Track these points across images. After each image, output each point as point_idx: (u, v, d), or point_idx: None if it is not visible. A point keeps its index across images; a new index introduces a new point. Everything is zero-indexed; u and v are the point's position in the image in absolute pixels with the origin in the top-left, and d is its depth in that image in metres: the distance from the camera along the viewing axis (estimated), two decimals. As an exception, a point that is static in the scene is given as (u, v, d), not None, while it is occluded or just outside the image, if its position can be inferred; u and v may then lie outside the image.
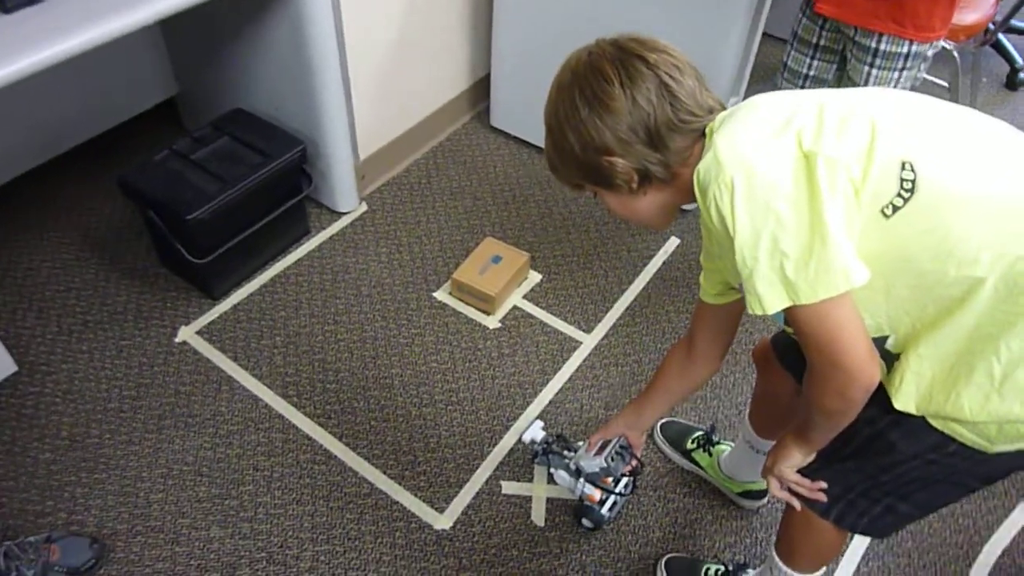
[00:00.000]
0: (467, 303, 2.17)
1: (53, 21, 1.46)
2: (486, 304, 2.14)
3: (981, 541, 1.76)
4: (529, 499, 1.78)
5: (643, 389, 1.51)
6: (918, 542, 1.74)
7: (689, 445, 1.82)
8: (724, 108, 1.05)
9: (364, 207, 2.44)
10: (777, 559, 1.37)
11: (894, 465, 1.07)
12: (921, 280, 0.93)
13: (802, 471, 1.18)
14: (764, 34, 2.22)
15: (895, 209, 0.90)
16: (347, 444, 1.85)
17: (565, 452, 1.64)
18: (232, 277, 2.17)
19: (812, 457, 1.16)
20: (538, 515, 1.75)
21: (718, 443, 1.80)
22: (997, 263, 0.89)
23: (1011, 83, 3.18)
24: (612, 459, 1.56)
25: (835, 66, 1.91)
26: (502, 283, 2.13)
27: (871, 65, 1.78)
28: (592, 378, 2.02)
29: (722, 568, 1.60)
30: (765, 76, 2.91)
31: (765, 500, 1.77)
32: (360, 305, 2.16)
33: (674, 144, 1.01)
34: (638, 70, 0.99)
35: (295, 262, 2.26)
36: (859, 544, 1.73)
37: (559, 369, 2.04)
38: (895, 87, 1.81)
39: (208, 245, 1.99)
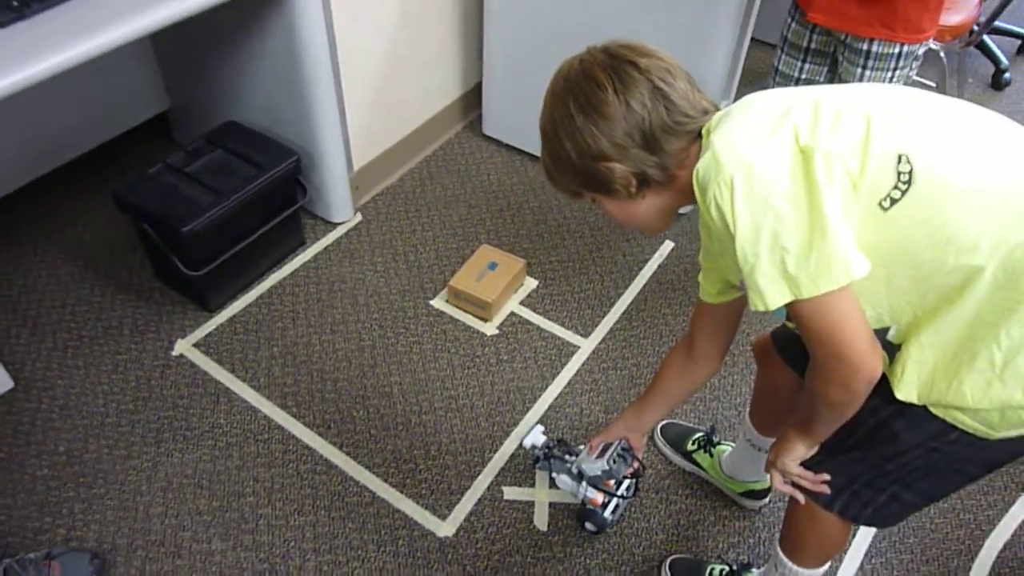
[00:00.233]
0: (464, 310, 2.17)
1: (44, 35, 1.46)
2: (483, 311, 2.14)
3: (983, 536, 1.76)
4: (531, 504, 1.78)
5: (643, 391, 1.52)
6: (920, 538, 1.75)
7: (690, 446, 1.83)
8: (718, 109, 1.06)
9: (359, 217, 2.44)
10: (782, 555, 1.37)
11: (898, 454, 1.08)
12: (921, 270, 0.94)
13: (805, 464, 1.19)
14: (752, 39, 2.24)
15: (893, 202, 0.91)
16: (347, 453, 1.84)
17: (566, 456, 1.64)
18: (228, 289, 2.17)
19: (815, 450, 1.17)
20: (541, 520, 1.75)
21: (719, 444, 1.80)
22: (996, 250, 0.90)
23: (996, 83, 3.21)
24: (614, 462, 1.56)
25: (826, 68, 1.93)
26: (499, 289, 2.13)
27: (863, 67, 1.79)
28: (591, 382, 2.03)
29: (726, 568, 1.60)
30: (754, 81, 2.93)
31: (767, 500, 1.77)
32: (357, 314, 2.16)
33: (670, 146, 1.02)
34: (630, 75, 1.00)
35: (291, 273, 2.26)
36: (862, 541, 1.73)
37: (558, 374, 2.04)
38: (887, 87, 1.82)
39: (203, 257, 1.99)
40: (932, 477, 1.11)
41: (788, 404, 1.43)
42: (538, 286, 2.26)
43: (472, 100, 2.77)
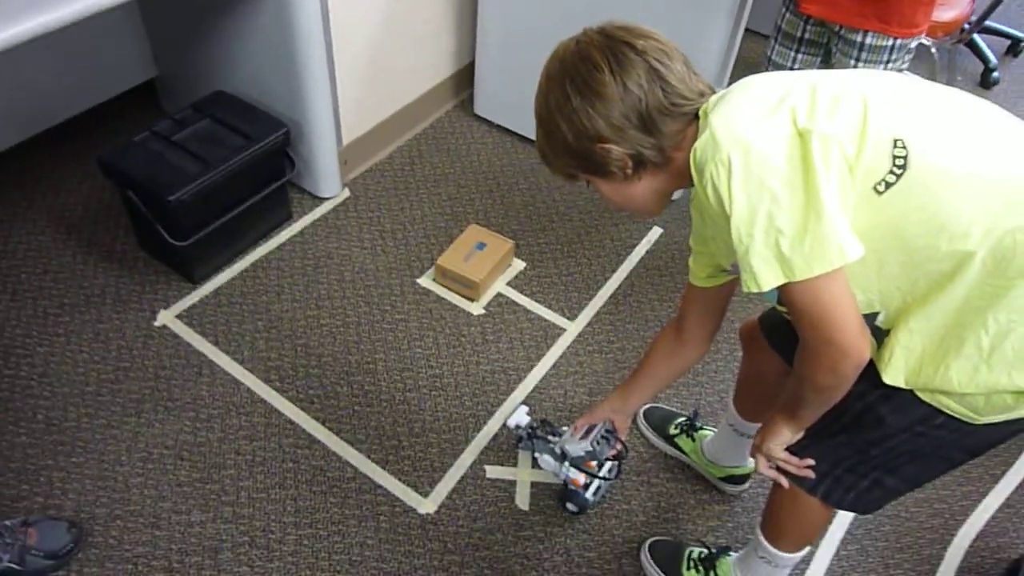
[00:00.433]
0: (451, 289, 2.16)
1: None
2: (470, 290, 2.13)
3: (957, 524, 1.79)
4: (513, 483, 1.78)
5: (629, 374, 1.52)
6: (895, 525, 1.77)
7: (672, 431, 1.84)
8: (714, 92, 1.06)
9: (347, 193, 2.42)
10: (763, 539, 1.38)
11: (883, 439, 1.09)
12: (912, 255, 0.95)
13: (791, 449, 1.20)
14: (746, 30, 2.24)
15: (888, 186, 0.92)
16: (330, 428, 1.84)
17: (549, 437, 1.64)
18: (213, 261, 2.15)
19: (801, 434, 1.18)
20: (522, 499, 1.76)
21: (701, 429, 1.82)
22: (987, 237, 0.91)
23: (985, 82, 3.24)
24: (597, 443, 1.56)
25: (819, 59, 1.93)
26: (486, 270, 2.13)
27: (857, 59, 1.80)
28: (576, 365, 2.03)
29: (705, 551, 1.62)
30: (747, 71, 2.92)
31: (747, 485, 1.79)
32: (343, 291, 2.15)
33: (667, 128, 1.02)
34: (627, 57, 0.99)
35: (277, 247, 2.24)
36: (837, 528, 1.76)
37: (543, 355, 2.04)
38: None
39: (189, 227, 1.97)
40: (916, 463, 1.12)
41: (773, 390, 1.44)
42: (525, 268, 2.26)
43: (464, 79, 2.76)
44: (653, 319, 2.16)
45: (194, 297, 2.08)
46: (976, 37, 3.20)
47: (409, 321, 2.09)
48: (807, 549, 1.40)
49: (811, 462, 1.18)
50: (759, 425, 1.28)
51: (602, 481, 1.65)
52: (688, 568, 1.59)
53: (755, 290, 0.94)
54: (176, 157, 1.97)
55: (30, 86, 2.21)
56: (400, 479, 1.76)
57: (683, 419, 1.85)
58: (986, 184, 0.92)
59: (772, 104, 0.96)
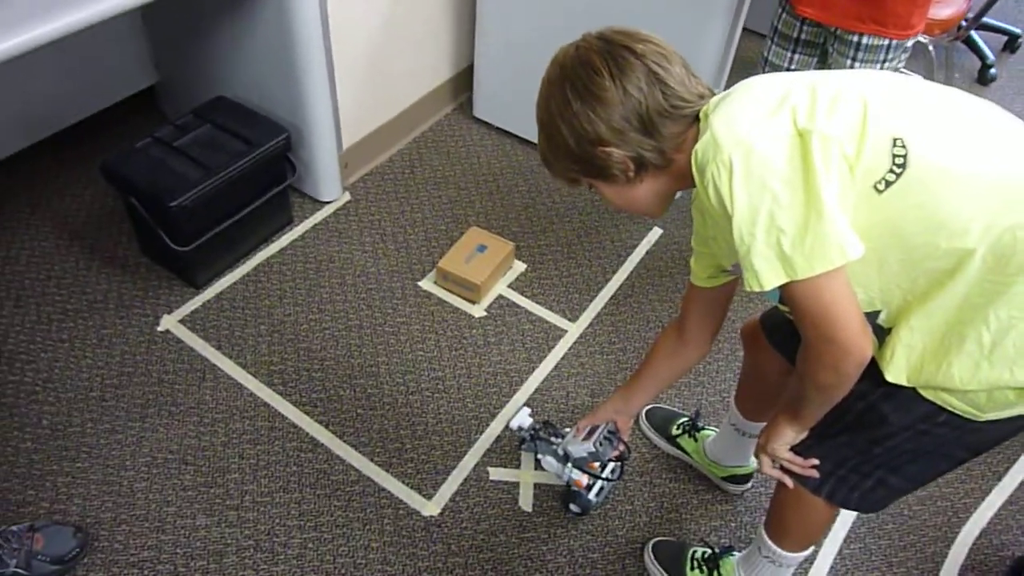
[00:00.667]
0: (452, 292, 2.17)
1: (33, 4, 1.43)
2: (471, 293, 2.14)
3: (960, 523, 1.79)
4: (516, 485, 1.79)
5: (631, 375, 1.53)
6: (899, 523, 1.78)
7: (674, 431, 1.84)
8: (714, 94, 1.06)
9: (347, 196, 2.43)
10: (767, 538, 1.39)
11: (886, 437, 1.10)
12: (912, 253, 0.96)
13: (794, 449, 1.20)
14: (744, 29, 2.24)
15: (887, 184, 0.92)
16: (334, 432, 1.84)
17: (552, 438, 1.65)
18: (215, 266, 2.15)
19: (804, 434, 1.18)
20: (526, 501, 1.76)
21: (703, 429, 1.82)
22: (986, 234, 0.92)
23: (982, 78, 3.25)
24: (600, 444, 1.56)
25: (816, 59, 1.94)
26: (487, 272, 2.13)
27: (853, 59, 1.81)
28: (578, 366, 2.03)
29: (708, 551, 1.62)
30: (745, 71, 2.93)
31: (749, 484, 1.79)
32: (345, 294, 2.15)
33: (667, 130, 1.03)
34: (627, 60, 1.00)
35: (279, 251, 2.25)
36: (840, 527, 1.76)
37: (544, 357, 2.04)
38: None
39: (191, 233, 1.97)
40: (920, 461, 1.13)
41: (775, 389, 1.44)
42: (526, 269, 2.26)
43: (463, 82, 2.76)
44: (654, 320, 2.16)
45: (196, 302, 2.09)
46: (973, 34, 3.21)
47: (411, 324, 2.09)
48: (811, 548, 1.40)
49: (815, 462, 1.19)
50: (761, 424, 1.29)
51: (605, 482, 1.66)
52: (692, 568, 1.59)
53: (757, 289, 0.95)
54: (177, 163, 1.98)
55: (33, 92, 2.22)
56: (404, 482, 1.76)
57: (685, 419, 1.85)
58: (985, 183, 0.93)
59: (773, 105, 0.96)
